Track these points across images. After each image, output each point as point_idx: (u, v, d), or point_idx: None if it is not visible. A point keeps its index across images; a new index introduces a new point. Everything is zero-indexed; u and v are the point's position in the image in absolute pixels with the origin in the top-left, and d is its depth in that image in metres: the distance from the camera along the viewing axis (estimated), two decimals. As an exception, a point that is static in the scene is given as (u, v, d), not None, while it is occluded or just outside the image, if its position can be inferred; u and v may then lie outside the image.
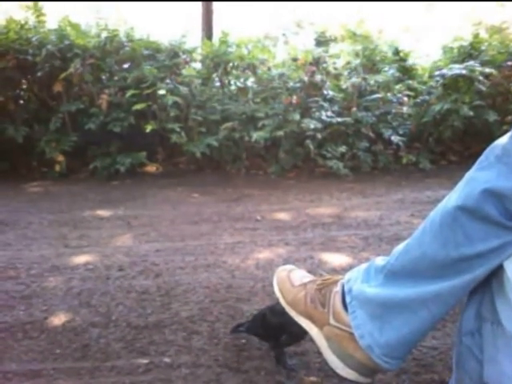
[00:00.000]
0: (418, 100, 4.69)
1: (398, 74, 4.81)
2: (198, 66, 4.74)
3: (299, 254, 2.38)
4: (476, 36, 4.97)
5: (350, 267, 1.28)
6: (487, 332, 0.95)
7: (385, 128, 4.35)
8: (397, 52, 5.09)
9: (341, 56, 4.99)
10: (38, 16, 4.52)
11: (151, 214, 3.11)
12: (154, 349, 1.61)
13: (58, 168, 4.22)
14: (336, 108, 4.42)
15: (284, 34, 5.20)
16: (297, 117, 4.02)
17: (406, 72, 5.04)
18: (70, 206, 3.39)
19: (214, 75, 4.66)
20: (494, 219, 0.91)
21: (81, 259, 2.38)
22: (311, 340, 1.38)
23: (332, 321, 1.16)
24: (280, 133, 4.01)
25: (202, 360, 1.55)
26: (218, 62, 4.51)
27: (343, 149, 4.19)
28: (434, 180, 3.94)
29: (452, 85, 4.58)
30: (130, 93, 4.09)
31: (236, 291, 2.02)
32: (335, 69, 4.69)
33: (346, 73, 4.80)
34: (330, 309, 1.18)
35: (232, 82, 4.75)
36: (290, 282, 1.32)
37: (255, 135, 3.95)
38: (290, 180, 4.06)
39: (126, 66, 4.50)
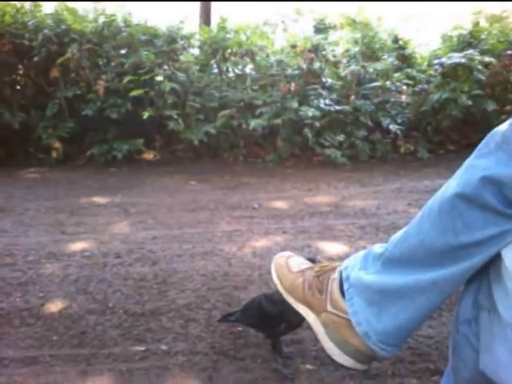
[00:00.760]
0: (417, 89, 4.67)
1: (397, 63, 4.78)
2: (195, 52, 4.70)
3: (296, 243, 2.38)
4: (476, 25, 4.94)
5: (347, 256, 1.28)
6: (484, 320, 0.95)
7: (383, 117, 4.33)
8: (396, 40, 5.06)
9: (340, 43, 4.96)
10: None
11: (148, 202, 3.11)
12: (151, 336, 1.61)
13: (54, 154, 4.19)
14: (334, 96, 4.40)
15: (283, 21, 5.16)
16: (295, 104, 4.00)
17: (405, 60, 5.01)
18: (66, 192, 3.37)
19: (212, 61, 4.62)
20: (493, 207, 0.91)
21: (78, 246, 2.38)
22: (308, 328, 1.38)
23: (329, 307, 1.16)
24: (278, 121, 3.99)
25: (198, 347, 1.56)
26: (216, 49, 4.47)
27: (341, 137, 4.17)
28: (431, 169, 3.93)
29: (451, 74, 4.56)
30: (127, 79, 4.05)
31: (233, 279, 2.03)
32: (334, 56, 4.66)
33: (344, 60, 4.77)
34: (328, 295, 1.18)
35: (230, 69, 4.71)
36: (288, 268, 1.33)
37: (253, 123, 3.93)
38: (287, 168, 4.05)
39: (123, 51, 4.46)
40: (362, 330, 1.09)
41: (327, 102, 4.23)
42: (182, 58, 4.32)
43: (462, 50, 4.66)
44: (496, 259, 0.95)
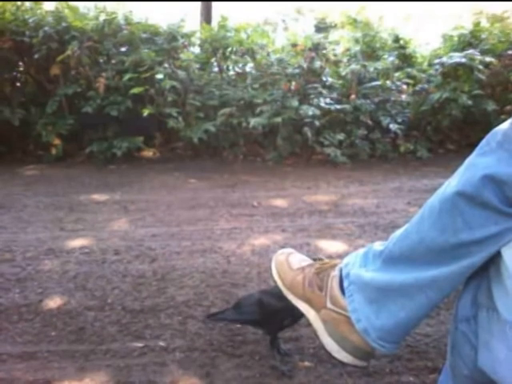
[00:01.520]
0: (417, 88, 4.66)
1: (397, 62, 4.78)
2: (196, 50, 4.70)
3: (295, 241, 2.38)
4: (477, 24, 4.94)
5: (346, 254, 1.28)
6: (483, 318, 0.95)
7: (383, 116, 4.33)
8: (397, 39, 5.05)
9: (340, 42, 4.96)
10: (35, -3, 4.47)
11: (148, 199, 3.11)
12: (149, 333, 1.61)
13: (54, 151, 4.19)
14: (335, 95, 4.40)
15: (284, 20, 5.15)
16: (295, 103, 3.99)
17: (406, 60, 5.01)
18: (66, 189, 3.37)
19: (213, 60, 4.62)
20: (494, 205, 0.90)
21: (76, 243, 2.38)
22: (306, 325, 1.39)
23: (329, 304, 1.16)
24: (278, 119, 3.99)
25: (196, 344, 1.56)
26: (216, 47, 4.47)
27: (341, 136, 4.17)
28: (431, 168, 3.93)
29: (451, 73, 4.56)
30: (127, 76, 4.05)
31: (231, 277, 2.03)
32: (335, 55, 4.66)
33: (345, 59, 4.77)
34: (328, 292, 1.18)
35: (230, 67, 4.71)
36: (289, 265, 1.33)
37: (253, 121, 3.93)
38: (287, 167, 4.05)
39: (123, 49, 4.45)
40: (362, 326, 1.09)
41: (327, 100, 4.23)
42: (182, 56, 4.32)
43: (462, 49, 4.66)
44: (496, 258, 0.95)
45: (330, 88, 4.40)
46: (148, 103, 4.15)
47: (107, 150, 4.13)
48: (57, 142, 4.17)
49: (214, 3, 5.80)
